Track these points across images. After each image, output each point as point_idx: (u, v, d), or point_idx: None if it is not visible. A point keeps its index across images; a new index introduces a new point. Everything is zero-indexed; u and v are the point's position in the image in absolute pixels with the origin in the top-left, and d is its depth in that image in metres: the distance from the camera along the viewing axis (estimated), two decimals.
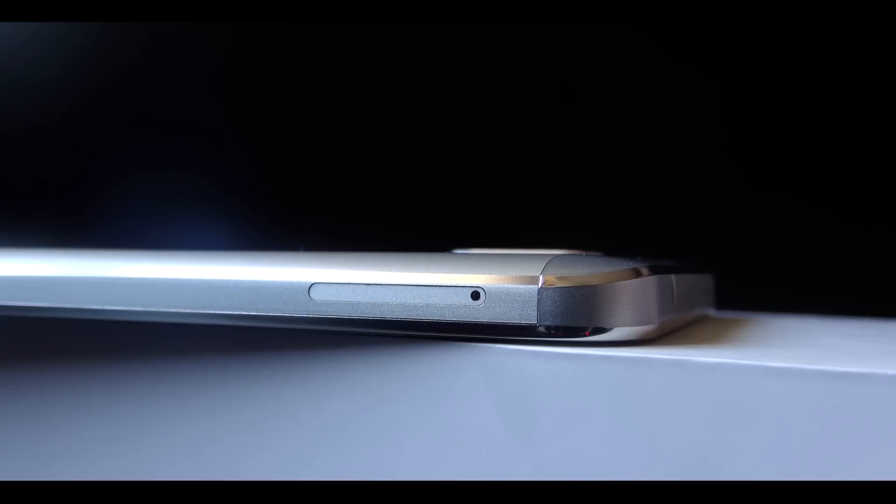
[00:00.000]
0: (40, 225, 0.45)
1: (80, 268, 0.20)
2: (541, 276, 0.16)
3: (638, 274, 0.17)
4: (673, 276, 0.18)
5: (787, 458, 0.14)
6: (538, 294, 0.16)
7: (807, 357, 0.15)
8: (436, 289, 0.17)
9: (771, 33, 0.37)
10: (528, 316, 0.16)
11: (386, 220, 0.42)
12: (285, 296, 0.18)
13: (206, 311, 0.19)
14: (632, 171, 0.39)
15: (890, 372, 0.14)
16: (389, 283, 0.17)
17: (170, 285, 0.19)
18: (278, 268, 0.18)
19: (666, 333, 0.18)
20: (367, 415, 0.18)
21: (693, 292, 0.21)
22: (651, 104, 0.39)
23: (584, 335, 0.16)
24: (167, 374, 0.20)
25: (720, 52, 0.38)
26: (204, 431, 0.20)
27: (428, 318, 0.17)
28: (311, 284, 0.18)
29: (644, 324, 0.17)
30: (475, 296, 0.17)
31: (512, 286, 0.16)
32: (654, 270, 0.17)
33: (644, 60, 0.39)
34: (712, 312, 0.25)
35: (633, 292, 0.16)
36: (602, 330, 0.16)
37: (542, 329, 0.16)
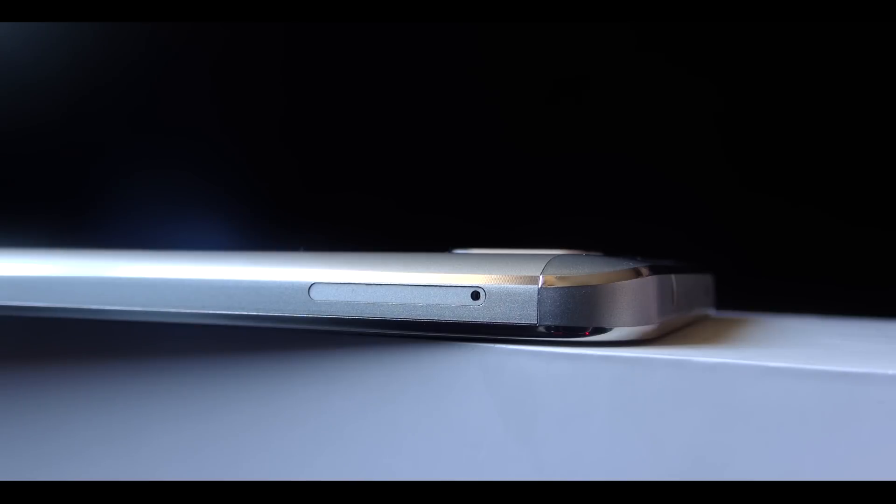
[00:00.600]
0: (40, 225, 0.45)
1: (80, 268, 0.20)
2: (541, 276, 0.16)
3: (638, 274, 0.17)
4: (673, 276, 0.18)
5: (787, 458, 0.14)
6: (538, 294, 0.16)
7: (807, 357, 0.15)
8: (436, 289, 0.17)
9: (772, 33, 0.37)
10: (528, 316, 0.16)
11: (386, 220, 0.42)
12: (285, 296, 0.18)
13: (206, 311, 0.19)
14: (632, 171, 0.39)
15: (890, 372, 0.14)
16: (389, 283, 0.17)
17: (170, 285, 0.19)
18: (278, 268, 0.18)
19: (666, 333, 0.18)
20: (367, 415, 0.18)
21: (693, 292, 0.21)
22: (651, 104, 0.39)
23: (584, 335, 0.16)
24: (167, 374, 0.20)
25: (721, 53, 0.38)
26: (204, 431, 0.20)
27: (428, 318, 0.17)
28: (311, 284, 0.18)
29: (644, 324, 0.17)
30: (475, 296, 0.17)
31: (512, 286, 0.16)
32: (654, 270, 0.17)
33: (645, 60, 0.39)
34: (712, 312, 0.25)
35: (633, 292, 0.16)
36: (602, 330, 0.16)
37: (542, 329, 0.16)
